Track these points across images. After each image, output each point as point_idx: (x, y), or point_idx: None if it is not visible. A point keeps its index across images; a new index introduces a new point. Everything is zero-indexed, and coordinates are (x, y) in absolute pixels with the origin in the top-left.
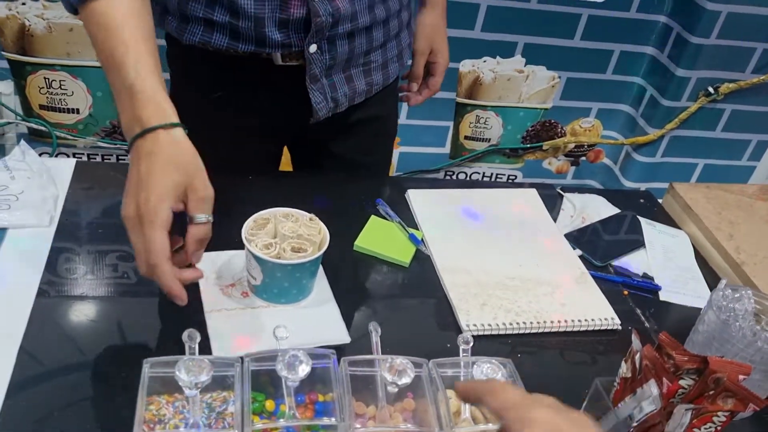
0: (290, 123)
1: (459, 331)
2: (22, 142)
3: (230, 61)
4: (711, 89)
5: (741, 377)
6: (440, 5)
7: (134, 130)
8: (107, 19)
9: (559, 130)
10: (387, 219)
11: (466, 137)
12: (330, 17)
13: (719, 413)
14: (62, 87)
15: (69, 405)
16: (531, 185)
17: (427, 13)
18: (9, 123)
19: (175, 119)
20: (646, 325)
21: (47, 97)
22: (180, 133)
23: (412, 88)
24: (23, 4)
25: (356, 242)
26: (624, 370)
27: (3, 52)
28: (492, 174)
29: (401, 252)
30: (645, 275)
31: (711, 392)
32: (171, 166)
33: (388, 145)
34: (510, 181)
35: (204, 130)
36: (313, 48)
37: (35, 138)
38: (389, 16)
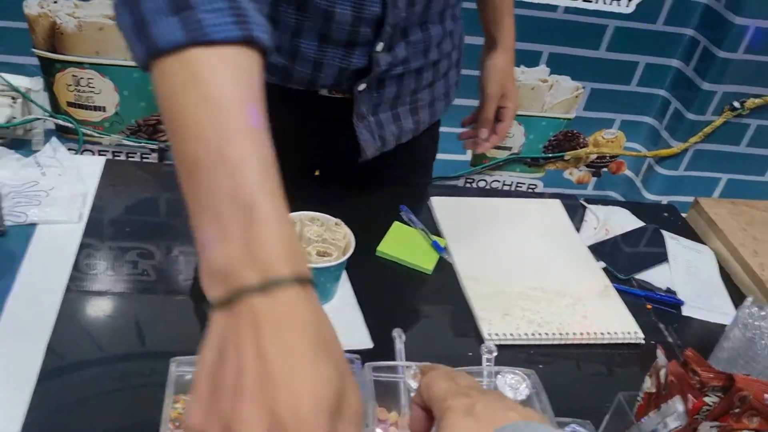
0: (337, 161)
1: (480, 339)
2: (54, 138)
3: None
4: (737, 104)
5: (767, 396)
6: (511, 49)
7: (243, 276)
8: (207, 86)
9: (581, 140)
10: (410, 225)
11: None
12: (388, 65)
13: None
14: (90, 85)
15: (95, 400)
16: (552, 195)
17: (499, 56)
18: (37, 119)
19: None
20: (669, 339)
21: (75, 95)
22: (315, 295)
23: (482, 134)
24: (55, 2)
25: (379, 248)
26: (648, 384)
27: (34, 50)
28: (512, 183)
29: (424, 259)
30: (668, 290)
31: (736, 410)
32: (323, 355)
33: (424, 176)
34: (530, 190)
35: None
36: (361, 87)
37: (62, 134)
38: (441, 58)
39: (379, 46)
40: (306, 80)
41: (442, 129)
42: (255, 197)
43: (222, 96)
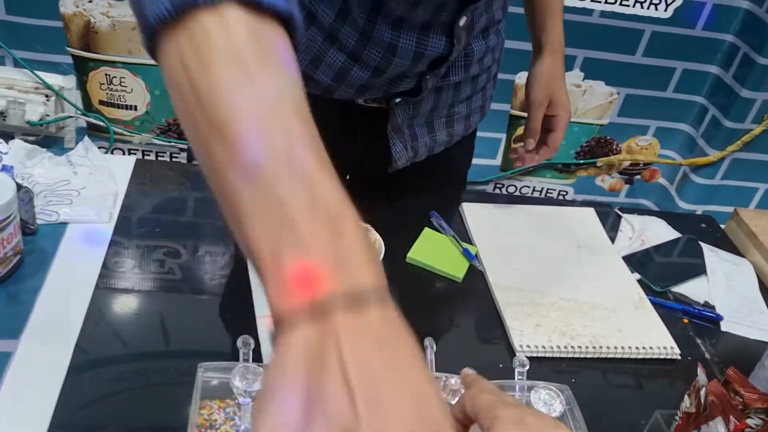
0: (368, 167)
1: (511, 350)
2: (86, 138)
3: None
4: None
5: None
6: (559, 52)
7: (335, 281)
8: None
9: (614, 147)
10: (440, 232)
11: None
12: (431, 85)
13: None
14: (122, 84)
15: (121, 398)
16: (583, 202)
17: (544, 61)
18: (69, 117)
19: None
20: (707, 356)
21: (107, 93)
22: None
23: (529, 146)
24: (90, 1)
25: (409, 254)
26: (687, 404)
27: (68, 48)
28: (543, 189)
29: (454, 266)
30: (706, 303)
31: None
32: (418, 391)
33: (456, 187)
34: (561, 197)
35: None
36: (398, 99)
37: (93, 132)
38: (481, 73)
39: (429, 75)
40: (347, 99)
41: None
42: (338, 205)
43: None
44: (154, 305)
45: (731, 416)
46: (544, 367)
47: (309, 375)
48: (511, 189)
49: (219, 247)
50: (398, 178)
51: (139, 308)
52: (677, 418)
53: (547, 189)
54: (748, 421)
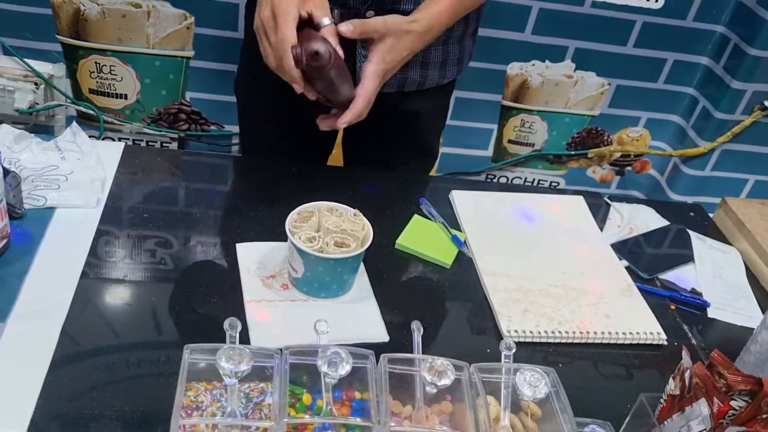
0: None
1: (499, 335)
2: (74, 123)
3: None
4: (767, 103)
5: None
6: (409, 34)
7: None
8: None
9: (605, 138)
10: (430, 219)
11: (509, 141)
12: None
13: None
14: (112, 72)
15: (107, 385)
16: (575, 193)
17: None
18: (59, 105)
19: None
20: (693, 342)
21: (97, 82)
22: None
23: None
24: None
25: (398, 241)
26: (672, 386)
27: (57, 36)
28: (534, 180)
29: (443, 253)
30: (693, 291)
31: (764, 416)
32: None
33: (433, 137)
34: (552, 187)
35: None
36: (370, 14)
37: (83, 121)
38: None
39: None
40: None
41: (462, 124)
42: None
43: None
44: (139, 292)
45: (715, 398)
46: (532, 352)
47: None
48: (503, 180)
49: (205, 236)
50: (374, 125)
51: (125, 295)
52: (662, 400)
53: (539, 180)
54: (732, 403)
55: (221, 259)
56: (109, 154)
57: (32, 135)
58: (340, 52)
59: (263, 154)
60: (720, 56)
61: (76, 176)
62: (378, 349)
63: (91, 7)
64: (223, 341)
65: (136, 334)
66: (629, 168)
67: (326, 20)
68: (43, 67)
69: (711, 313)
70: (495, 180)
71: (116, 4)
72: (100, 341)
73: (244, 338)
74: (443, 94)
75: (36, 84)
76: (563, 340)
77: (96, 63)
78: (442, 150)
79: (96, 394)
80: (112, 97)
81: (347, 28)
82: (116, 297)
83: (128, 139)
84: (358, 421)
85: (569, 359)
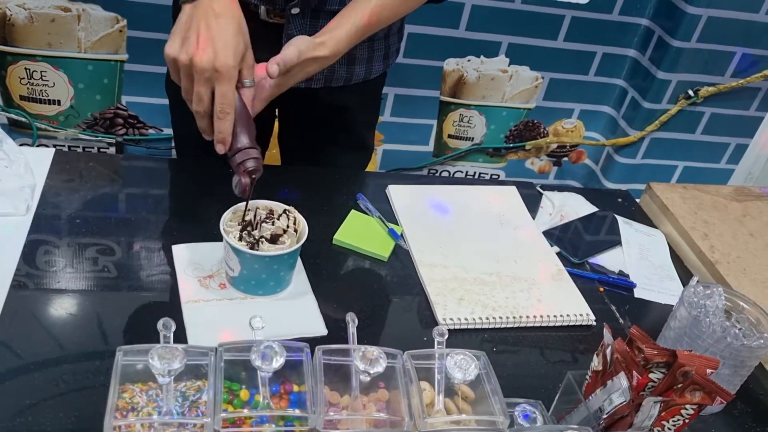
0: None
1: (436, 324)
2: (0, 130)
3: None
4: (691, 92)
5: (709, 371)
6: (317, 48)
7: None
8: None
9: (541, 130)
10: (367, 214)
11: (449, 136)
12: None
13: (687, 406)
14: (43, 78)
15: (44, 397)
16: (513, 184)
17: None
18: None
19: None
20: (621, 321)
21: (28, 88)
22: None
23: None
24: None
25: (335, 236)
26: (595, 363)
27: None
28: (475, 173)
29: (380, 246)
30: (621, 273)
31: (679, 385)
32: (241, 34)
33: (366, 130)
34: (493, 179)
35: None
36: (295, 10)
37: (15, 129)
38: None
39: None
40: (252, 10)
41: (402, 120)
42: None
43: None
44: (73, 300)
45: (634, 371)
46: (468, 339)
47: (185, 29)
48: (445, 174)
49: (141, 240)
50: (306, 121)
51: (59, 304)
52: (587, 377)
53: (480, 173)
54: (651, 376)
55: (160, 262)
56: (39, 160)
57: None
58: (250, 110)
59: (196, 153)
60: (645, 48)
61: (3, 184)
62: (317, 343)
63: (17, 11)
64: (160, 343)
65: (70, 343)
66: (566, 159)
67: (248, 82)
68: None
69: (637, 293)
70: (437, 174)
71: (44, 8)
72: (33, 351)
73: (183, 340)
74: (372, 87)
75: None
76: (497, 326)
77: (26, 69)
78: (384, 147)
79: (32, 405)
80: (45, 103)
81: (273, 70)
82: (48, 305)
83: (63, 145)
84: (296, 412)
85: (504, 344)
